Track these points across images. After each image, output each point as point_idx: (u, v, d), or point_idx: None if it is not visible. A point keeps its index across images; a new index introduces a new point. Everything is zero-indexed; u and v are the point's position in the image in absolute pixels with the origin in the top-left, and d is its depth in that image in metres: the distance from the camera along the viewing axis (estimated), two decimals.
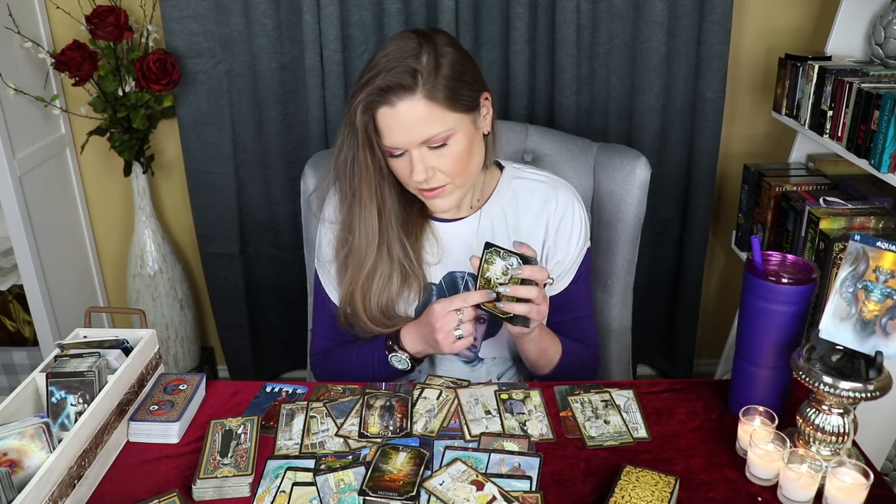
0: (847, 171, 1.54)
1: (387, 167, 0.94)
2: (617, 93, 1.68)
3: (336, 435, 0.86)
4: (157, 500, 0.75)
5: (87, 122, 1.69)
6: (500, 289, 0.86)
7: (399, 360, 0.98)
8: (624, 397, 0.93)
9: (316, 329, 1.10)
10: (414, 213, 1.00)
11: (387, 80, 0.86)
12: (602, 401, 0.92)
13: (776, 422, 0.81)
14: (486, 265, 0.87)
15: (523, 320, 0.87)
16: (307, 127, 1.71)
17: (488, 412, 0.90)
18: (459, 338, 0.90)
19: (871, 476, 0.72)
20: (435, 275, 1.02)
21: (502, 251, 0.86)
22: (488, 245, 0.87)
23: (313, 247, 1.22)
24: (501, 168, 1.05)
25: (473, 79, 0.91)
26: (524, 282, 0.86)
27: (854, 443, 0.83)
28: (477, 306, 0.90)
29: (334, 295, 1.05)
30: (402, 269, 0.98)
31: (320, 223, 1.05)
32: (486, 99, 0.94)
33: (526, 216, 1.01)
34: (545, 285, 0.88)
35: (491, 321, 1.02)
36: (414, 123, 0.87)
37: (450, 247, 1.01)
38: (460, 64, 0.89)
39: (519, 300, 0.86)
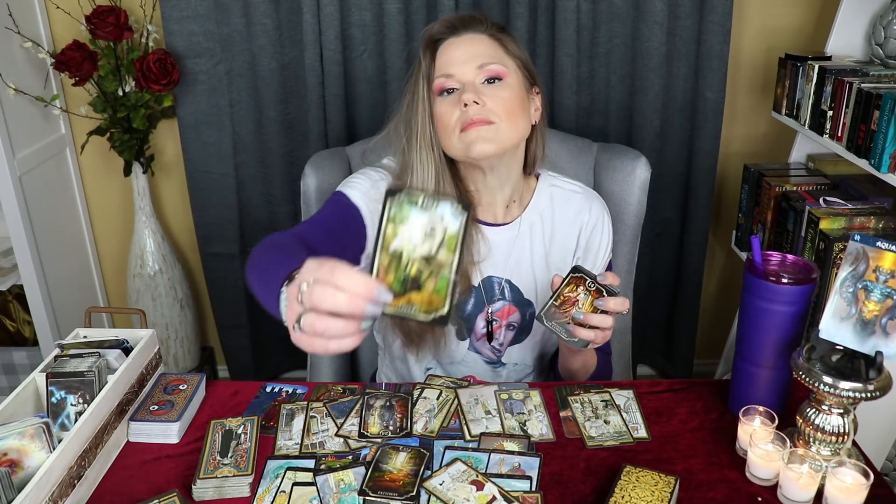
0: (847, 171, 1.54)
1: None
2: (617, 93, 1.68)
3: (336, 435, 0.86)
4: (157, 500, 0.75)
5: (87, 122, 1.69)
6: (574, 314, 0.85)
7: (283, 301, 0.66)
8: (624, 397, 0.93)
9: (302, 224, 0.93)
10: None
11: (456, 18, 0.93)
12: (602, 401, 0.92)
13: (776, 422, 0.81)
14: (565, 287, 0.85)
15: (583, 342, 0.86)
16: (307, 127, 1.71)
17: (488, 412, 0.90)
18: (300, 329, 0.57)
19: (871, 476, 0.72)
20: (475, 276, 1.01)
21: (588, 279, 0.84)
22: (576, 269, 0.85)
23: None
24: (536, 177, 1.06)
25: (531, 62, 0.97)
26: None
27: (854, 443, 0.83)
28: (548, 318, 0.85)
29: (356, 196, 0.94)
30: None
31: (365, 169, 0.99)
32: (538, 93, 0.97)
33: (561, 225, 1.03)
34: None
35: (519, 329, 1.03)
36: (475, 50, 0.91)
37: (491, 249, 1.01)
38: (522, 48, 0.96)
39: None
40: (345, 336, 0.55)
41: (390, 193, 0.55)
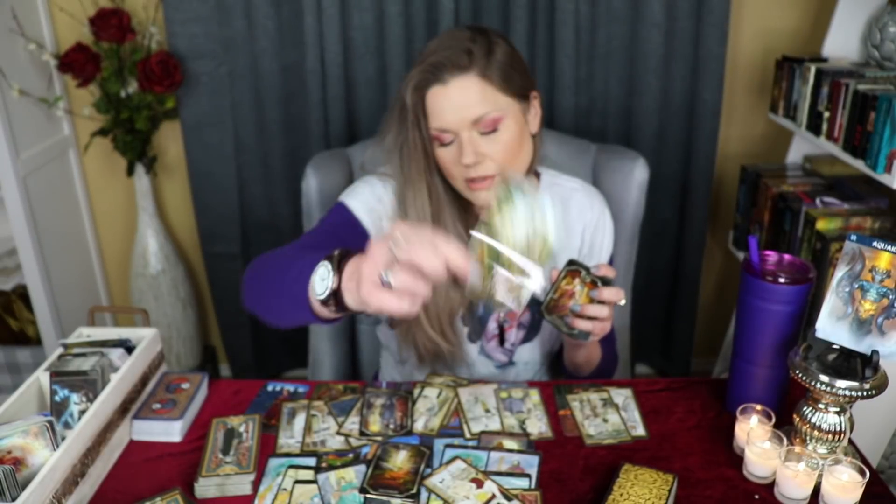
0: (843, 171, 1.55)
1: (433, 158, 0.91)
2: (615, 94, 1.69)
3: (337, 433, 0.87)
4: (159, 498, 0.76)
5: (91, 124, 1.70)
6: (572, 306, 0.86)
7: (323, 275, 0.66)
8: (622, 396, 0.94)
9: (304, 235, 0.94)
10: (471, 216, 0.97)
11: (440, 57, 0.85)
12: (600, 399, 0.93)
13: (773, 420, 0.82)
14: (562, 280, 0.86)
15: (584, 334, 0.87)
16: (308, 128, 1.72)
17: (488, 410, 0.91)
18: (387, 284, 0.58)
19: (868, 474, 0.73)
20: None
21: (583, 271, 0.85)
22: (571, 262, 0.86)
23: None
24: (537, 174, 1.05)
25: (524, 71, 0.91)
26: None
27: (850, 441, 0.83)
28: (539, 314, 0.87)
29: (360, 211, 0.95)
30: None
31: (367, 177, 0.98)
32: (535, 98, 0.93)
33: (566, 224, 1.03)
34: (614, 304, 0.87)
35: (529, 327, 1.04)
36: (466, 101, 0.85)
37: None
38: (512, 54, 0.90)
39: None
40: (418, 300, 0.56)
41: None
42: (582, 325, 0.85)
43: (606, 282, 0.85)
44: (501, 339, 1.04)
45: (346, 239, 0.91)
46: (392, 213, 0.95)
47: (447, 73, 0.85)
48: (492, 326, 1.03)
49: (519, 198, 0.57)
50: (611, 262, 1.07)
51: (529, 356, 1.07)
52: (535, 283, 0.58)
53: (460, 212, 0.94)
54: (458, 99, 0.85)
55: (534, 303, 1.02)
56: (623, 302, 0.86)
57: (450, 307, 0.96)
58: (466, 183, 0.90)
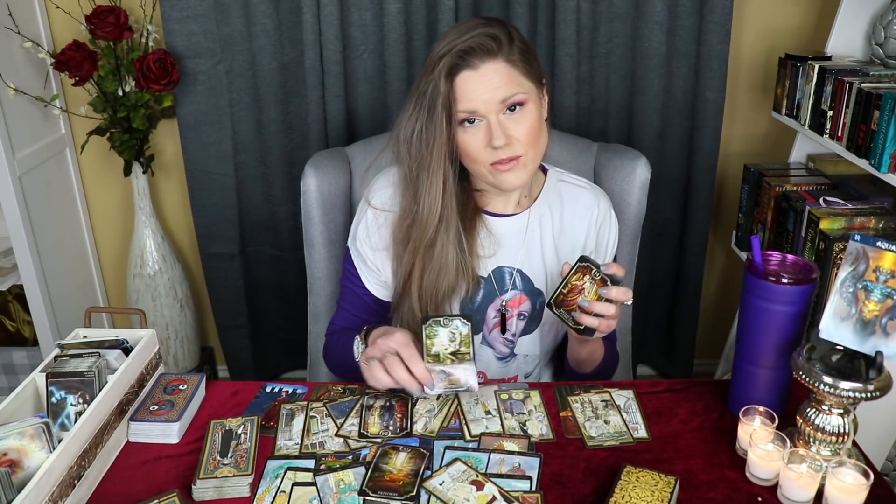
0: (847, 171, 1.54)
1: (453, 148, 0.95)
2: (617, 93, 1.68)
3: (336, 435, 0.86)
4: (157, 500, 0.75)
5: (87, 122, 1.69)
6: (580, 301, 0.87)
7: (357, 346, 0.95)
8: (624, 397, 0.93)
9: (342, 303, 1.08)
10: (469, 209, 1.01)
11: (469, 43, 0.89)
12: (602, 401, 0.92)
13: (776, 422, 0.81)
14: (573, 276, 0.87)
15: (590, 330, 0.88)
16: (307, 127, 1.71)
17: (488, 412, 0.90)
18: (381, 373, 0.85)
19: (871, 476, 0.72)
20: (485, 268, 1.03)
21: (593, 268, 0.86)
22: (583, 259, 0.87)
23: (313, 247, 1.22)
24: (544, 171, 1.08)
25: (536, 58, 0.96)
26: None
27: (854, 443, 0.83)
28: (544, 306, 0.91)
29: (366, 276, 1.04)
30: (456, 255, 0.97)
31: (366, 208, 1.02)
32: (545, 85, 0.98)
33: (571, 219, 1.05)
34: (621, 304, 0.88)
35: (530, 318, 1.04)
36: (496, 84, 0.90)
37: (501, 241, 1.03)
38: (526, 41, 0.95)
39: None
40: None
41: (423, 321, 0.87)
42: (588, 321, 0.87)
43: (615, 280, 0.86)
44: (503, 328, 1.04)
45: (372, 313, 1.07)
46: (391, 234, 1.00)
47: (477, 59, 0.89)
48: (490, 315, 1.04)
49: (439, 328, 0.86)
50: (614, 262, 1.07)
51: (530, 349, 1.07)
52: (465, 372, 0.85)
53: (459, 207, 0.98)
54: (488, 82, 0.90)
55: (538, 295, 1.04)
56: (630, 302, 0.87)
57: (437, 292, 0.98)
58: (492, 166, 0.93)
